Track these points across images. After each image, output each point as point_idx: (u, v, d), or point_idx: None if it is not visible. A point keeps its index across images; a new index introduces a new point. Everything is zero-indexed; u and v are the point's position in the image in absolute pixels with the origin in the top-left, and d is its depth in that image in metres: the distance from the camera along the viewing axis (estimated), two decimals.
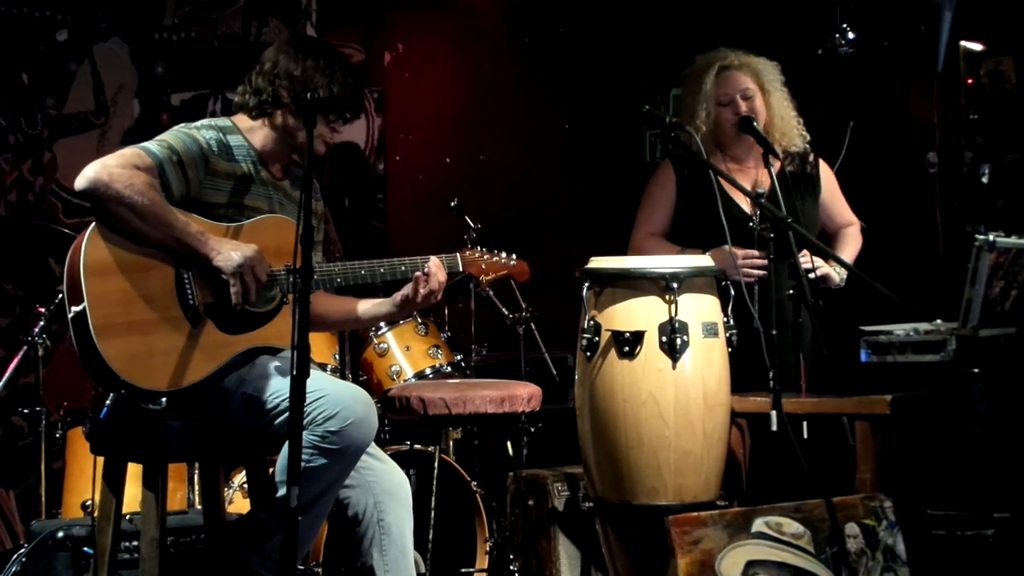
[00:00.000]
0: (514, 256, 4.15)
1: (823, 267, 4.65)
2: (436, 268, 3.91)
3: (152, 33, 6.44)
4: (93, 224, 3.60)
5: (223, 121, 3.91)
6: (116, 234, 3.59)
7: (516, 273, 4.16)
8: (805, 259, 4.52)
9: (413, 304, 3.95)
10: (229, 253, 3.64)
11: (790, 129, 4.84)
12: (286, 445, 3.59)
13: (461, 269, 4.02)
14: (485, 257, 4.08)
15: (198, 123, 3.86)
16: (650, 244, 4.75)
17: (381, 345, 5.51)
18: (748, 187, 4.55)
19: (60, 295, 3.64)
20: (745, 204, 4.69)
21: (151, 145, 3.70)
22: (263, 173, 3.90)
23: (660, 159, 4.92)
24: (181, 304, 3.65)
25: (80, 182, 3.57)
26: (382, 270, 3.91)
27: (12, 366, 5.07)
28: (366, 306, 4.09)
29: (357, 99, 3.92)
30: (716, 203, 4.47)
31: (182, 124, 3.84)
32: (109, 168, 3.57)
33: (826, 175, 4.97)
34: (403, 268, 3.92)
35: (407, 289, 3.94)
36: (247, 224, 3.80)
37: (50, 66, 6.13)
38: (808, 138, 4.91)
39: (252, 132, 3.91)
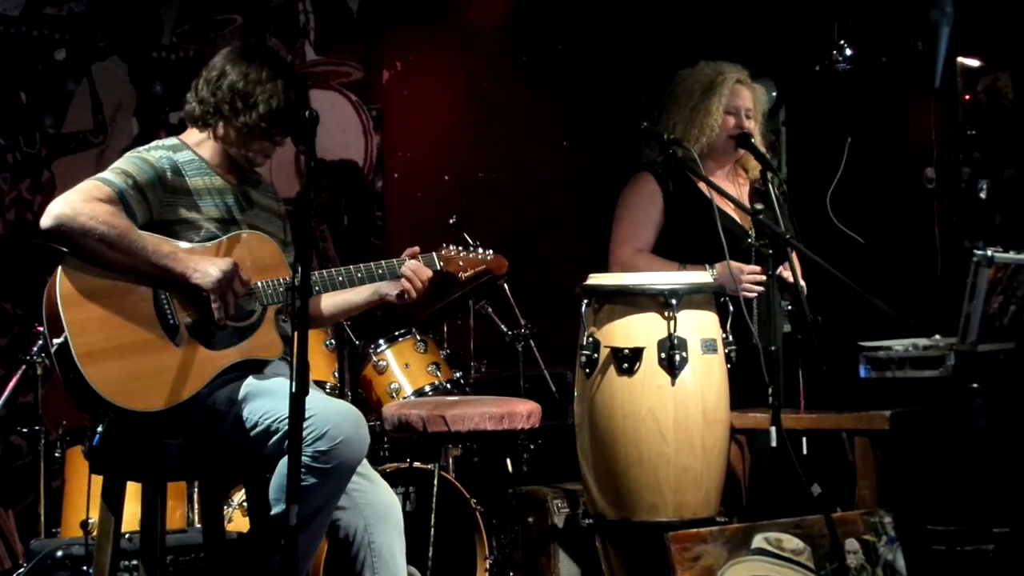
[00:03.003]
0: (491, 251, 4.13)
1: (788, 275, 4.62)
2: (416, 271, 3.91)
3: (150, 52, 6.44)
4: (65, 256, 3.59)
5: (171, 141, 3.91)
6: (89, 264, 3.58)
7: (494, 267, 4.12)
8: (787, 272, 4.52)
9: (399, 298, 3.96)
10: (206, 269, 3.64)
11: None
12: (278, 464, 3.61)
13: (439, 267, 4.00)
14: (462, 254, 4.06)
15: (148, 146, 3.86)
16: (642, 260, 4.69)
17: (380, 363, 5.50)
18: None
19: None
20: (738, 218, 4.70)
21: (107, 175, 3.67)
22: (219, 182, 3.88)
23: (638, 171, 4.86)
24: (162, 324, 3.64)
25: (46, 220, 3.54)
26: (359, 275, 3.89)
27: (11, 385, 5.06)
28: (347, 296, 4.07)
29: (299, 116, 3.78)
30: (710, 218, 4.49)
31: (134, 149, 3.84)
32: (72, 203, 3.55)
33: (773, 195, 5.03)
34: (380, 272, 3.91)
35: (390, 290, 3.95)
36: (222, 240, 3.80)
37: (48, 85, 6.13)
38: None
39: (200, 145, 3.91)
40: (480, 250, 4.11)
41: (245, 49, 4.00)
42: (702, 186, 4.71)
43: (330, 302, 4.09)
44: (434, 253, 4.01)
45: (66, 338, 3.49)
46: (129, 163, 3.73)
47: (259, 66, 3.85)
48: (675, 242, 4.74)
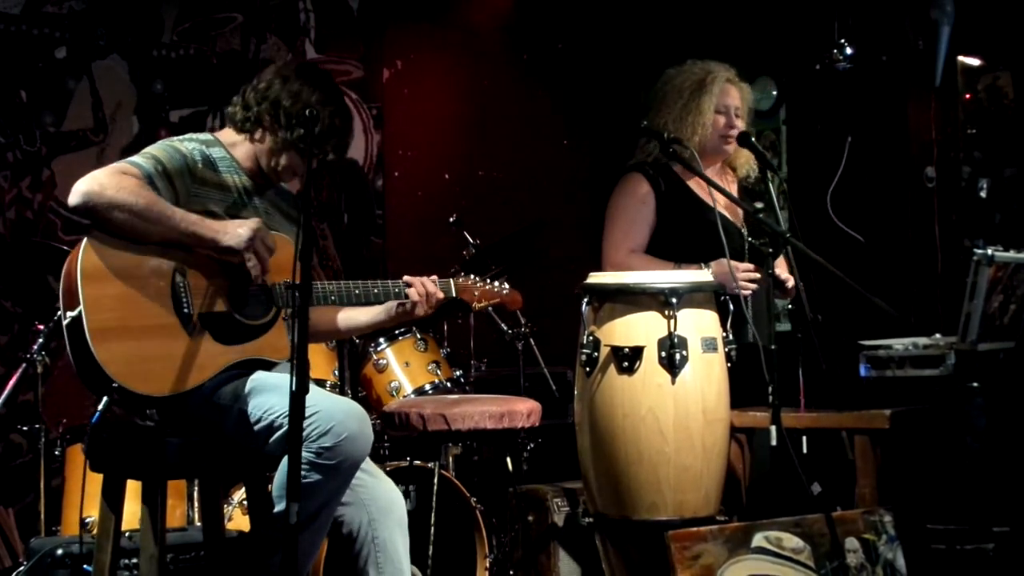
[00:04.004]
0: (507, 285, 4.17)
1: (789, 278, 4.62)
2: (425, 285, 3.94)
3: (151, 50, 6.44)
4: (91, 231, 3.60)
5: (205, 136, 3.94)
6: (116, 240, 3.60)
7: (508, 302, 4.18)
8: (780, 270, 4.51)
9: (407, 315, 3.99)
10: (236, 230, 3.67)
11: (742, 156, 4.86)
12: (282, 461, 3.60)
13: (455, 294, 4.05)
14: (479, 284, 4.11)
15: (181, 137, 3.89)
16: (638, 261, 4.67)
17: (380, 361, 5.50)
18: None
19: (59, 311, 3.63)
20: (731, 216, 4.70)
21: (136, 159, 3.71)
22: (247, 184, 3.92)
23: (628, 171, 4.85)
24: (176, 312, 3.65)
25: (73, 198, 3.57)
26: (376, 290, 3.92)
27: (11, 383, 5.06)
28: (356, 314, 4.09)
29: (341, 141, 3.92)
30: (704, 216, 4.50)
31: (166, 139, 3.88)
32: (98, 179, 3.58)
33: (773, 194, 5.02)
34: (397, 290, 3.94)
35: (392, 306, 3.99)
36: None
37: (49, 83, 6.13)
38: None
39: (235, 146, 3.93)
40: (496, 283, 4.16)
41: (300, 68, 4.05)
42: (691, 184, 4.72)
43: (345, 317, 4.11)
44: (451, 280, 4.06)
45: (81, 312, 3.50)
46: (159, 149, 3.77)
47: (311, 89, 3.89)
48: (668, 242, 4.73)
